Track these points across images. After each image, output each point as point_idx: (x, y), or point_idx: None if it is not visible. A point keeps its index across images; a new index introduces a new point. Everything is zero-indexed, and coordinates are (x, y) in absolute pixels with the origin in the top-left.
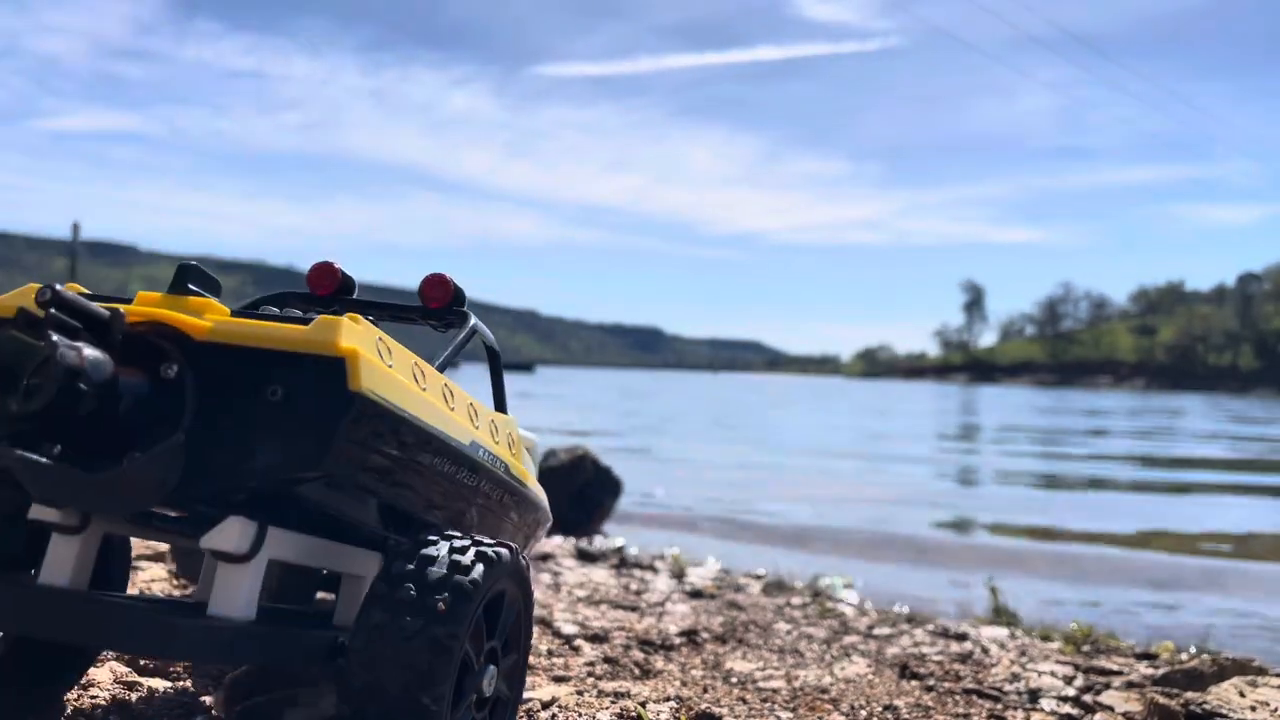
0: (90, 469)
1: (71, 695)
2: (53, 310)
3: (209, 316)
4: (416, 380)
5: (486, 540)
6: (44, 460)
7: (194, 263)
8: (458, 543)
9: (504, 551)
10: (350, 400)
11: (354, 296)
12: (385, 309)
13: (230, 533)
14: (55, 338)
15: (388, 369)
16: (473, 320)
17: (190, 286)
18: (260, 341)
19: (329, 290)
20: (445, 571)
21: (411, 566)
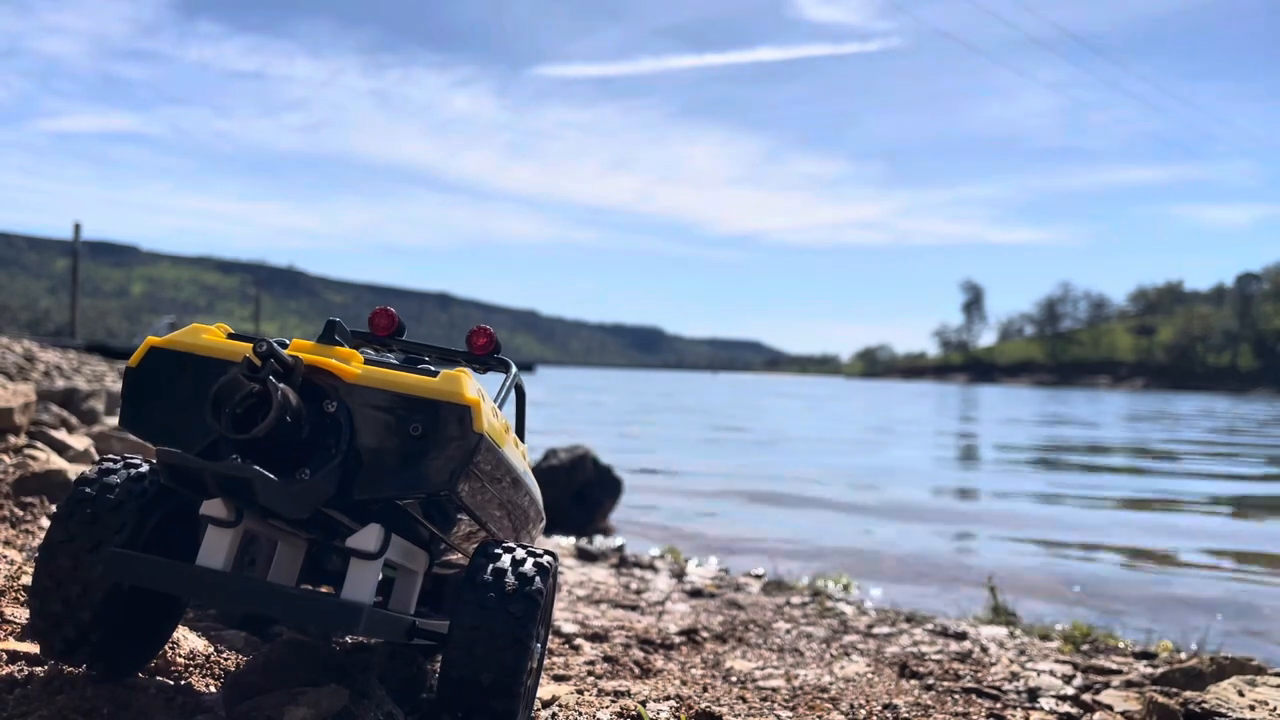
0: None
1: (71, 695)
2: (271, 360)
3: (355, 364)
4: (495, 419)
5: (537, 551)
6: (270, 475)
7: (338, 320)
8: (519, 555)
9: (548, 559)
10: (478, 439)
11: (404, 337)
12: (435, 351)
13: (370, 536)
14: (273, 380)
15: (491, 413)
16: (514, 368)
17: (336, 338)
18: (402, 388)
19: (387, 332)
20: (517, 583)
21: (491, 579)
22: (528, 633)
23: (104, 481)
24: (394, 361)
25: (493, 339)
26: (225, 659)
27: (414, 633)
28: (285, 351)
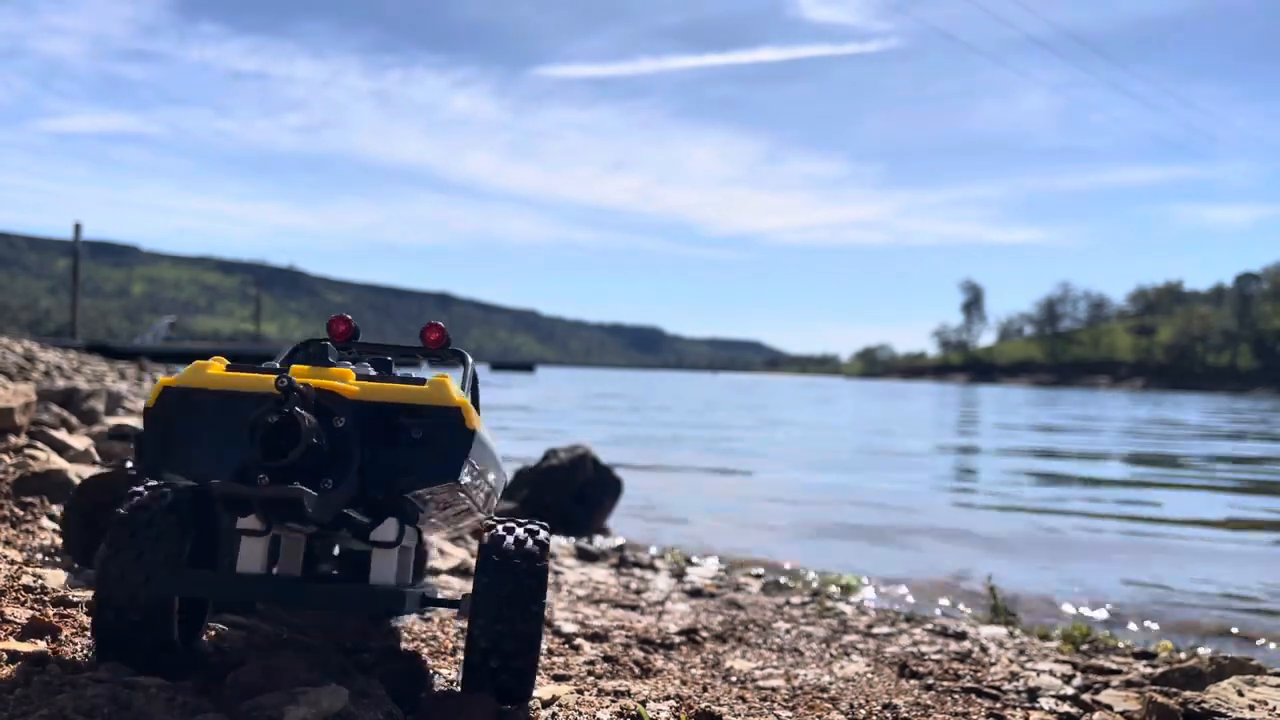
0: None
1: (72, 694)
2: (294, 393)
3: (351, 381)
4: (476, 412)
5: (536, 523)
6: (312, 491)
7: (325, 342)
8: (525, 527)
9: (544, 531)
10: (470, 435)
11: (359, 340)
12: (393, 350)
13: (389, 529)
14: (300, 411)
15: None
16: (469, 359)
17: (329, 360)
18: (399, 398)
19: (344, 338)
20: (531, 545)
21: (504, 534)
22: (540, 581)
23: (159, 490)
24: (380, 374)
25: (444, 334)
26: (226, 659)
27: (428, 600)
28: (296, 380)
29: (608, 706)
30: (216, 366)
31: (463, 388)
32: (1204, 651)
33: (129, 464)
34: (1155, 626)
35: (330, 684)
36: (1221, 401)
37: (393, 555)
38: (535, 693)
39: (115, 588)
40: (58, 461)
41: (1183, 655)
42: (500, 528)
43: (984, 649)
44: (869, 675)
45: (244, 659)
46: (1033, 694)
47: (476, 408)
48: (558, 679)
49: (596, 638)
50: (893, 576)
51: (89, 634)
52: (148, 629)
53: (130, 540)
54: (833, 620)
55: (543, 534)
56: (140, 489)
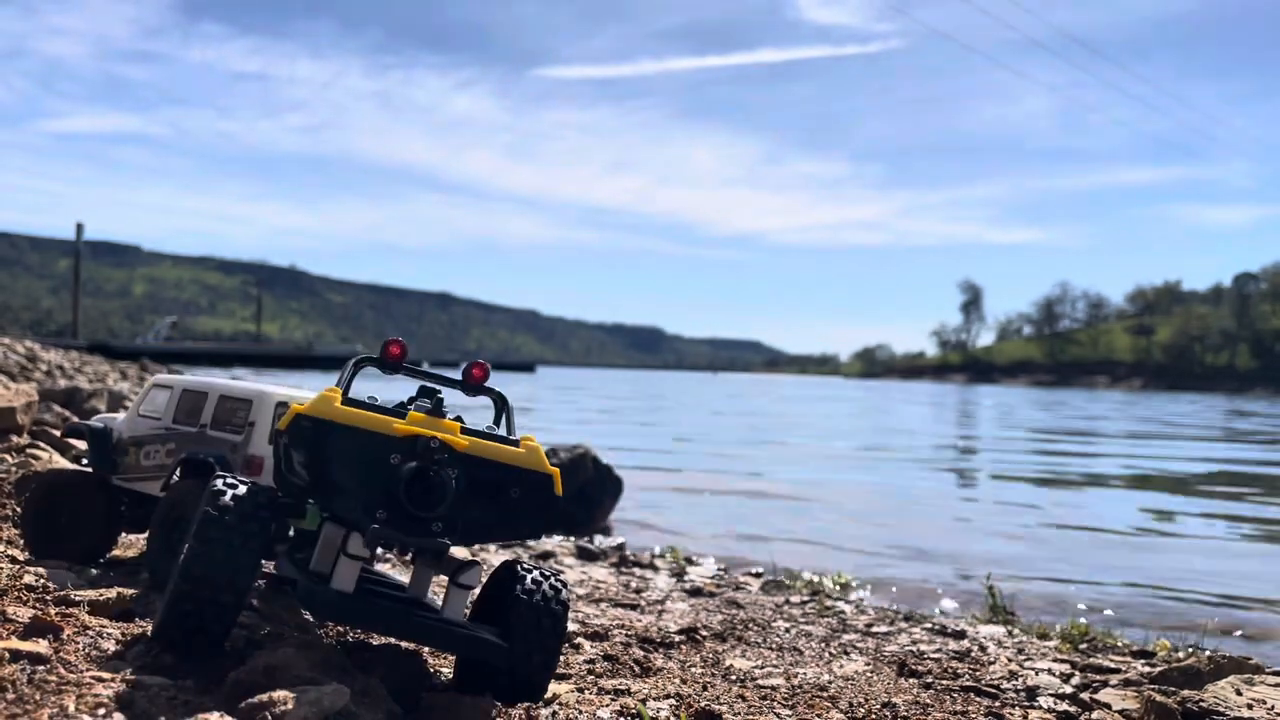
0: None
1: (75, 693)
2: (444, 454)
3: (460, 435)
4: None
5: (553, 568)
6: (447, 541)
7: (439, 394)
8: (546, 570)
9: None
10: (557, 500)
11: (405, 363)
12: (435, 378)
13: (475, 575)
14: (448, 471)
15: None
16: (507, 398)
17: (443, 410)
18: (503, 458)
19: (398, 359)
20: (556, 585)
21: (533, 585)
22: (564, 619)
23: (249, 491)
24: (483, 430)
25: (486, 372)
26: (226, 659)
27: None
28: (423, 432)
29: (608, 705)
30: (337, 396)
31: (496, 423)
32: (1202, 651)
33: (84, 461)
34: (1154, 625)
35: (332, 683)
36: (1220, 402)
37: (466, 595)
38: None
39: (201, 582)
40: (60, 461)
41: (1181, 654)
42: (530, 576)
43: (983, 648)
44: (868, 674)
45: (245, 657)
46: (1031, 693)
47: (515, 440)
48: (558, 678)
49: (597, 636)
50: (892, 575)
51: (90, 633)
52: (218, 621)
53: (221, 537)
54: (832, 619)
55: (563, 576)
56: (223, 488)
